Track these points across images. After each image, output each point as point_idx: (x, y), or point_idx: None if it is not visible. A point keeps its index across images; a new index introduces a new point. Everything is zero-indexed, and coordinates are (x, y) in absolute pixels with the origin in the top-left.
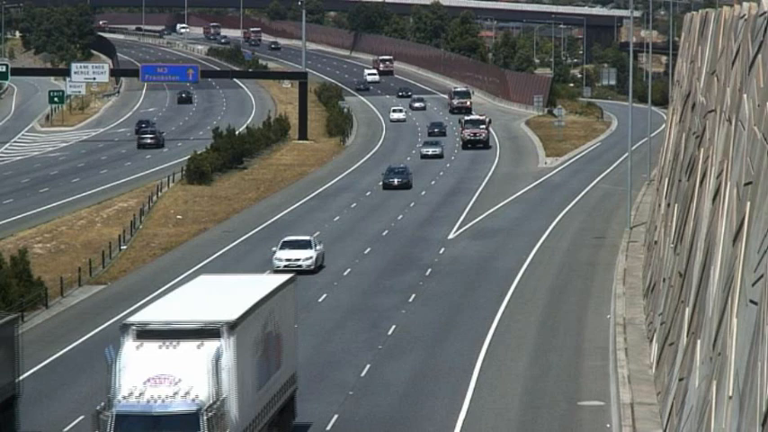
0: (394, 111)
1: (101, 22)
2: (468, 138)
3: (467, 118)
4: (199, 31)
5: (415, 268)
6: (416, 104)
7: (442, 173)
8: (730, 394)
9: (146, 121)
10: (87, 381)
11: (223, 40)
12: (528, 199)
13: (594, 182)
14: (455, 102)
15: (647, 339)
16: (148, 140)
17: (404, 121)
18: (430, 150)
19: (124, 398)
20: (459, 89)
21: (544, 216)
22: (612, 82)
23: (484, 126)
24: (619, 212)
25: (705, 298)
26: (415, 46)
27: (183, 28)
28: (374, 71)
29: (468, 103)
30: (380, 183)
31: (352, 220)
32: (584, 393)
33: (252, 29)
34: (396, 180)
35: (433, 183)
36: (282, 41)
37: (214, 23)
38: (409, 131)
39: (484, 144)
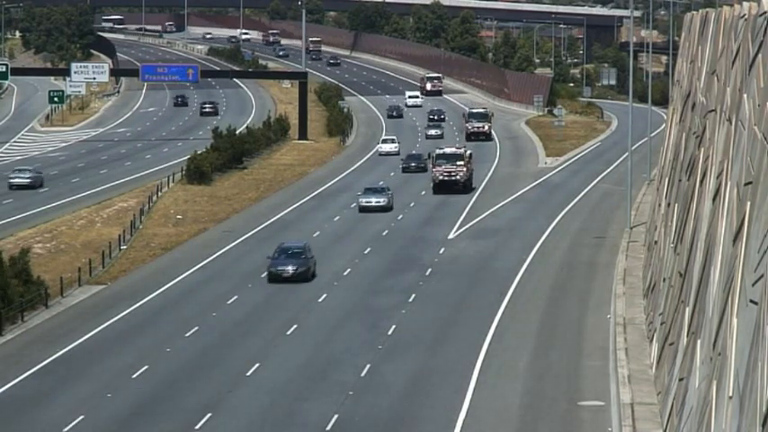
0: (384, 141)
1: (167, 23)
2: (441, 178)
3: (439, 151)
4: (258, 37)
5: (415, 268)
6: (431, 131)
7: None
8: (730, 394)
9: (181, 95)
10: (87, 381)
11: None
12: (528, 199)
13: (594, 182)
14: (470, 126)
15: (647, 339)
16: (208, 109)
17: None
18: (373, 200)
19: None
20: (475, 110)
21: (544, 216)
22: (612, 82)
23: (462, 163)
24: (619, 212)
25: (705, 298)
26: (415, 46)
27: (245, 34)
28: (417, 93)
29: (487, 127)
30: (265, 274)
31: (352, 220)
32: (584, 393)
33: (311, 39)
34: (290, 267)
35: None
36: (283, 41)
37: (273, 30)
38: (410, 131)
39: (463, 186)
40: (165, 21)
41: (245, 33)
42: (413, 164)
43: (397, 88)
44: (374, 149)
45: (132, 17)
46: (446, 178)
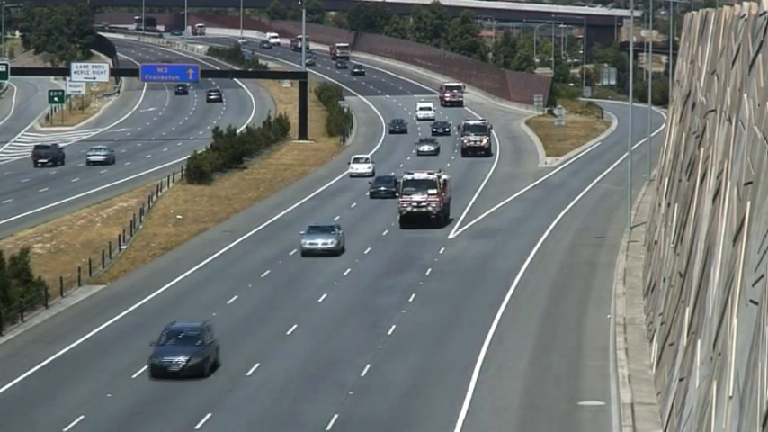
0: (356, 160)
1: (197, 25)
2: (409, 209)
3: (407, 176)
4: (287, 42)
5: (415, 268)
6: (424, 147)
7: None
8: (730, 394)
9: (182, 84)
10: (87, 381)
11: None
12: (528, 199)
13: (594, 182)
14: (466, 140)
15: (647, 339)
16: (213, 96)
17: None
18: (319, 242)
19: None
20: (471, 122)
21: (544, 216)
22: (612, 82)
23: (434, 191)
24: (619, 212)
25: (705, 298)
26: (415, 46)
27: (274, 37)
28: (429, 105)
29: (485, 141)
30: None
31: (352, 220)
32: (584, 393)
33: (338, 44)
34: (181, 357)
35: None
36: (283, 41)
37: (301, 36)
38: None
39: (436, 217)
40: (196, 22)
41: (275, 37)
42: (382, 188)
43: (396, 88)
44: (374, 150)
45: (162, 18)
46: (415, 210)
